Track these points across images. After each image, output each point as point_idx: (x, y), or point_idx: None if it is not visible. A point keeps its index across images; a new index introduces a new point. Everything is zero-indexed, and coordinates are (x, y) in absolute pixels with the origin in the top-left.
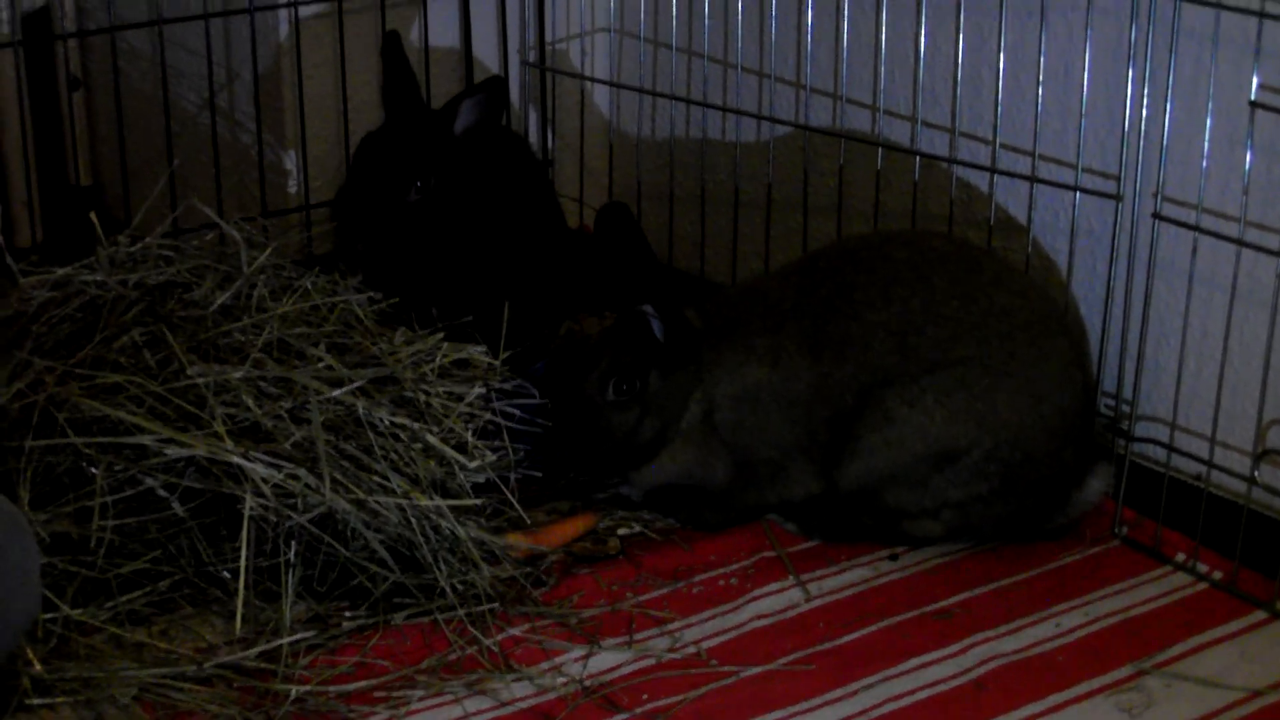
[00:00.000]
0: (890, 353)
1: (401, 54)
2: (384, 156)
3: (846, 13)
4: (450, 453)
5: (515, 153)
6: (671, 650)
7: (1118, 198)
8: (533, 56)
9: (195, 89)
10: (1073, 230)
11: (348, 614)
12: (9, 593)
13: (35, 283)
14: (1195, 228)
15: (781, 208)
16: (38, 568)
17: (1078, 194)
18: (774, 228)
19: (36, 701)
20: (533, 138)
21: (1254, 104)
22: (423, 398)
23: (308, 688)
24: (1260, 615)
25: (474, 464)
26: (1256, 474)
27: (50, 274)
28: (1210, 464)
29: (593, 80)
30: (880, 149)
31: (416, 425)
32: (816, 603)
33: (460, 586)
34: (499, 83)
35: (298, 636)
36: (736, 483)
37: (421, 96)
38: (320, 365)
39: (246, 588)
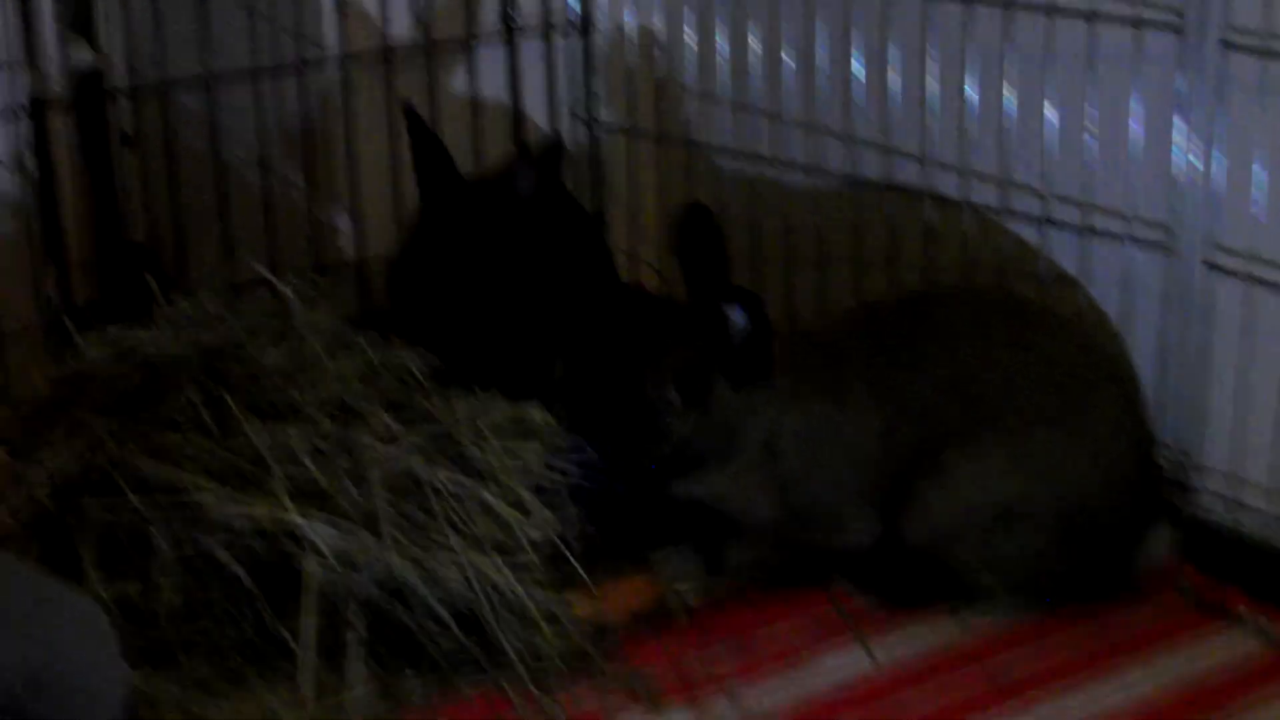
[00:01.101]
0: (949, 405)
1: (423, 125)
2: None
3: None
4: (509, 512)
5: (571, 209)
6: (739, 715)
7: (1170, 248)
8: (581, 110)
9: (244, 145)
10: (1126, 281)
11: (411, 677)
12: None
13: (92, 342)
14: (1249, 276)
15: (833, 262)
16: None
17: (1130, 244)
18: (827, 281)
19: None
20: (582, 190)
21: None
22: (481, 456)
23: None
24: None
25: (534, 523)
26: None
27: (107, 333)
28: (1276, 519)
29: (642, 135)
30: (926, 200)
31: (475, 484)
32: (883, 666)
33: (524, 650)
34: (556, 147)
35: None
36: (786, 523)
37: (455, 164)
38: (379, 425)
39: (310, 654)
